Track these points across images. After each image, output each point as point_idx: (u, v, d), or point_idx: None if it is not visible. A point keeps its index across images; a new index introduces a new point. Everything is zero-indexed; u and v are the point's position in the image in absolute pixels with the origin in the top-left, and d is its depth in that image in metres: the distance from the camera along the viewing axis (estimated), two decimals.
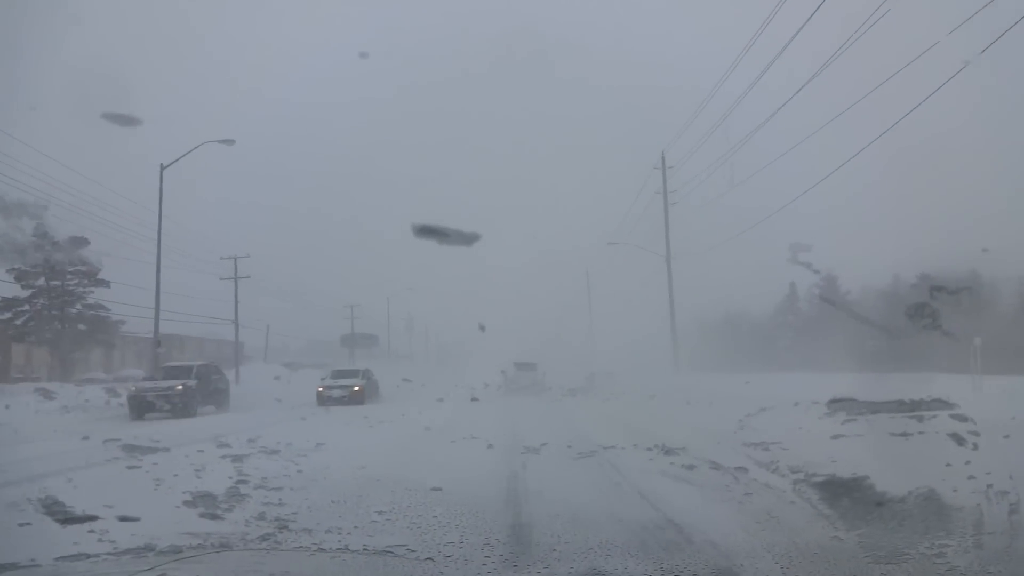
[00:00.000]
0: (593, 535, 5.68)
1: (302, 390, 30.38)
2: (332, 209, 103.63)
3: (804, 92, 22.64)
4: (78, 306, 38.88)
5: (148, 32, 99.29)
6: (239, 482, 8.34)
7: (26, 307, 38.13)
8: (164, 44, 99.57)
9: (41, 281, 37.83)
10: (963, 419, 8.12)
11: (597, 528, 5.96)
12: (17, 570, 3.68)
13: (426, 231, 6.36)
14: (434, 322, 78.32)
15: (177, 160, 29.67)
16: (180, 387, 24.30)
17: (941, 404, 9.70)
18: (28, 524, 6.16)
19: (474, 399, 27.74)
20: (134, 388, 25.25)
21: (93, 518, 5.96)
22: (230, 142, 30.00)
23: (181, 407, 23.60)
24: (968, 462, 6.45)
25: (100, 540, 5.44)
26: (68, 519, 6.01)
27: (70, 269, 37.67)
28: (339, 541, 5.54)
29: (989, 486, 5.47)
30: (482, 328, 27.88)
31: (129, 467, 9.90)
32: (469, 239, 6.45)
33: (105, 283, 38.09)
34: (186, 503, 7.08)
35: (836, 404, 11.18)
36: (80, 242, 34.59)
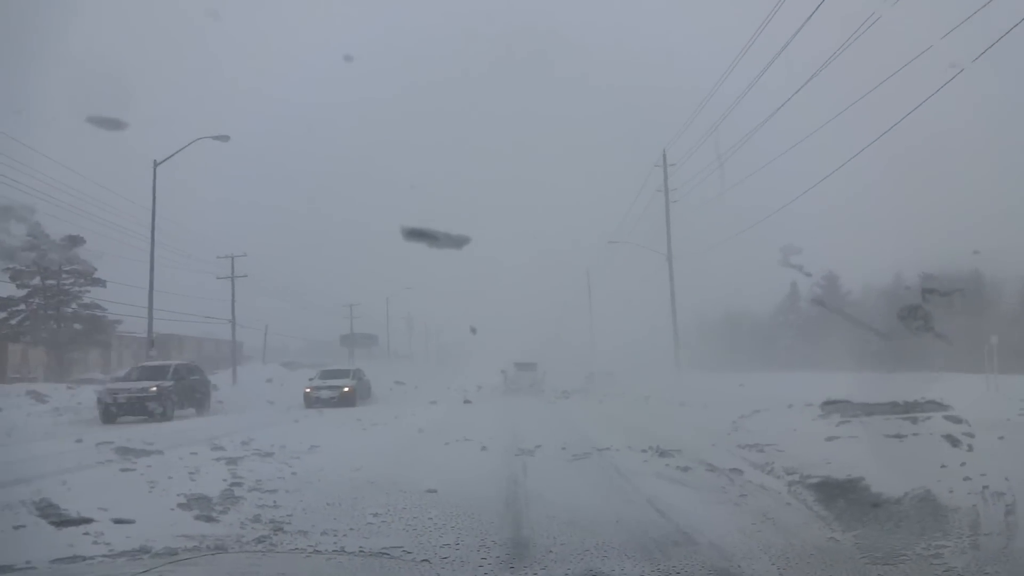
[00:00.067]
0: (590, 537, 5.67)
1: (297, 392, 29.60)
2: (331, 209, 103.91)
3: (804, 92, 22.73)
4: (74, 305, 38.77)
5: (148, 31, 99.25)
6: (233, 484, 8.31)
7: (22, 307, 38.02)
8: (164, 43, 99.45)
9: (36, 280, 37.73)
10: (957, 420, 8.13)
11: (594, 530, 5.95)
12: (13, 572, 3.67)
13: (416, 234, 6.31)
14: (434, 322, 78.34)
15: (171, 156, 29.49)
16: (154, 388, 22.11)
17: (935, 406, 9.68)
18: (23, 527, 6.15)
19: (466, 401, 27.05)
20: (103, 389, 22.73)
21: (88, 520, 5.93)
22: (224, 138, 29.84)
23: (156, 410, 21.45)
24: (963, 463, 6.45)
25: (95, 542, 5.42)
26: (63, 521, 5.98)
27: (66, 268, 37.58)
28: (335, 543, 5.53)
29: (985, 487, 5.48)
30: (473, 331, 27.78)
31: (123, 469, 9.88)
32: (459, 242, 6.37)
33: (101, 282, 38.05)
34: (181, 505, 7.04)
35: (830, 406, 11.19)
36: (76, 241, 34.56)
